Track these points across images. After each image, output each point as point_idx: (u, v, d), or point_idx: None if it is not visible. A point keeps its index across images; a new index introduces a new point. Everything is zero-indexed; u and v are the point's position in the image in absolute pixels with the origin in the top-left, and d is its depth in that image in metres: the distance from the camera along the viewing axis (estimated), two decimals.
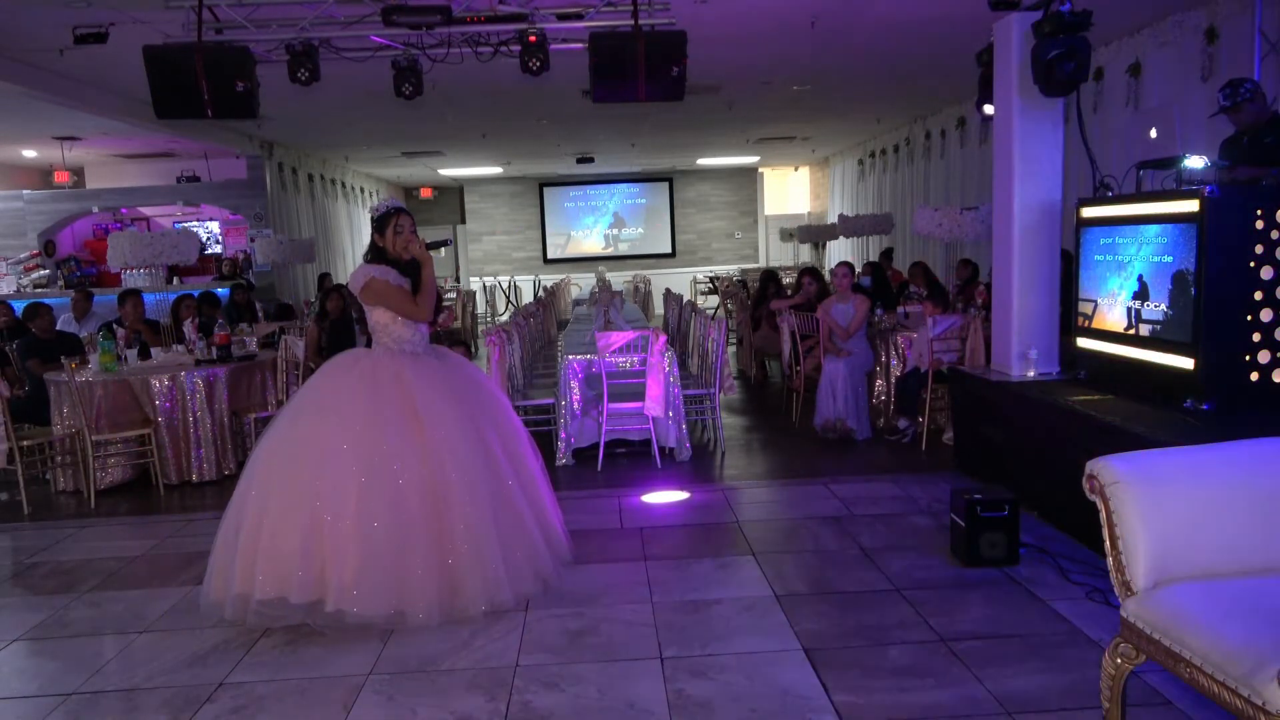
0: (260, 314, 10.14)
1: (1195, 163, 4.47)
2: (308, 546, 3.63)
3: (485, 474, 3.85)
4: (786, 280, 12.57)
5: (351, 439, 3.73)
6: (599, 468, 6.17)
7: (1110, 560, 2.54)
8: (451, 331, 13.21)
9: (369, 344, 4.19)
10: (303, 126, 11.64)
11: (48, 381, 6.34)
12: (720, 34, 7.46)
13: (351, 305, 4.44)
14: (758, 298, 9.81)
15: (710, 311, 12.96)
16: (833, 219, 16.41)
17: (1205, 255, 4.08)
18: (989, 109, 5.73)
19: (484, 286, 18.47)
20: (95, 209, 12.87)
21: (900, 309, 7.90)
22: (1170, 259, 4.31)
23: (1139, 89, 7.94)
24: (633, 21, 6.07)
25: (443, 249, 3.70)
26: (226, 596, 3.71)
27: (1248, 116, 4.94)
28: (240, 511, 3.79)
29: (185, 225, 13.06)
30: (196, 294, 9.13)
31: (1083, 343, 5.07)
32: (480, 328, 14.58)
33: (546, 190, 19.89)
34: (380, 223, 4.07)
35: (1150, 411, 4.29)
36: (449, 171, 18.11)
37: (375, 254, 4.08)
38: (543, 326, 10.46)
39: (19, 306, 8.29)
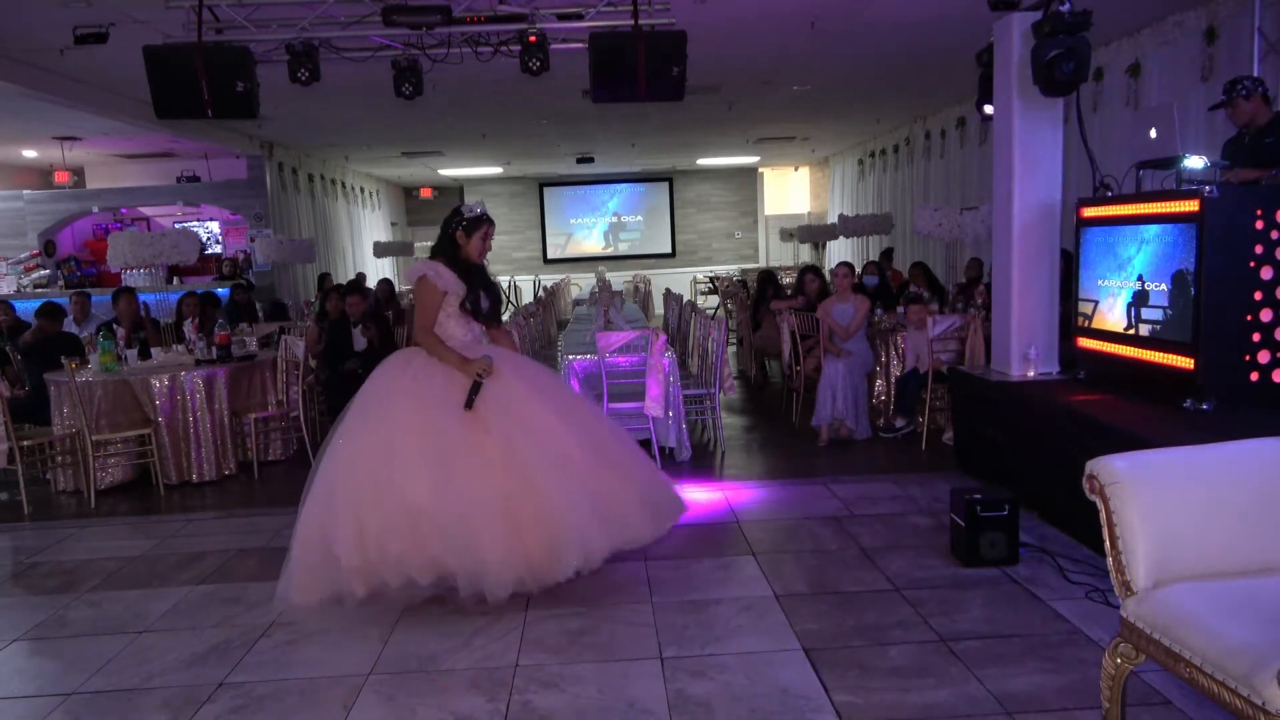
0: (260, 314, 10.15)
1: (1195, 163, 4.47)
2: (404, 535, 3.65)
3: (548, 468, 3.81)
4: (786, 280, 12.59)
5: (420, 431, 3.77)
6: None
7: (1110, 560, 2.54)
8: None
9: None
10: (303, 126, 11.65)
11: (48, 381, 6.34)
12: (720, 34, 7.47)
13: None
14: (757, 298, 9.81)
15: (710, 311, 12.97)
16: (833, 219, 16.42)
17: (1205, 255, 4.08)
18: (989, 109, 5.73)
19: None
20: (95, 209, 12.88)
21: (900, 309, 7.90)
22: (1170, 259, 4.31)
23: (1139, 89, 7.95)
24: (633, 21, 6.07)
25: (473, 399, 3.88)
26: (327, 593, 3.72)
27: (1244, 113, 4.94)
28: (326, 518, 3.74)
29: (185, 225, 13.07)
30: (199, 292, 9.14)
31: (1083, 343, 5.07)
32: None
33: (546, 190, 19.90)
34: (471, 225, 4.04)
35: (1150, 411, 4.29)
36: (449, 171, 18.12)
37: (447, 251, 4.05)
38: (543, 326, 10.47)
39: (20, 307, 8.29)
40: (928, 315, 6.58)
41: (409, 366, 4.01)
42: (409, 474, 3.70)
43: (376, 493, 3.70)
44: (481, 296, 4.09)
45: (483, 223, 4.06)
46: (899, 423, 6.74)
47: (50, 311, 7.37)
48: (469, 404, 3.81)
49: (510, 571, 3.66)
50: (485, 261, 4.18)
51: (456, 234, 4.05)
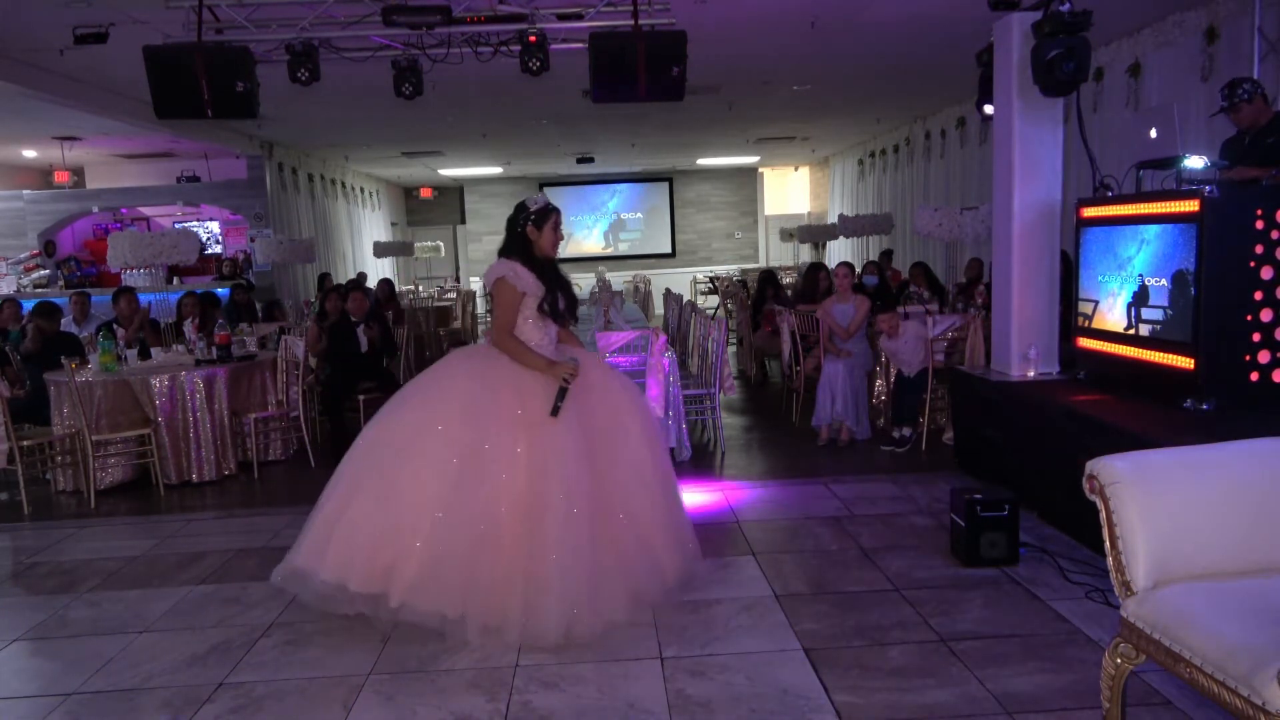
0: (259, 314, 10.14)
1: (1195, 163, 4.48)
2: (380, 538, 3.52)
3: (589, 493, 3.57)
4: (786, 280, 12.58)
5: (446, 438, 3.60)
6: None
7: (1110, 560, 2.54)
8: (452, 331, 13.22)
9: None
10: (303, 126, 11.65)
11: (48, 381, 6.34)
12: (720, 34, 7.46)
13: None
14: (757, 298, 9.81)
15: (710, 311, 12.96)
16: (833, 219, 16.42)
17: (1205, 255, 4.08)
18: (989, 109, 5.73)
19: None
20: (95, 209, 12.88)
21: (901, 309, 7.90)
22: (1170, 259, 4.31)
23: (1139, 89, 7.95)
24: (633, 21, 6.07)
25: (560, 405, 3.67)
26: (290, 569, 3.68)
27: (1246, 116, 4.95)
28: (329, 493, 3.72)
29: (185, 225, 13.07)
30: (199, 292, 9.14)
31: (1083, 343, 5.08)
32: (480, 328, 14.58)
33: (547, 190, 19.86)
34: (540, 216, 3.86)
35: (1150, 411, 4.29)
36: (449, 171, 18.12)
37: (520, 250, 3.86)
38: None
39: (23, 306, 8.29)
40: (899, 321, 6.57)
41: (466, 366, 3.88)
42: (419, 483, 3.55)
43: (382, 480, 3.60)
44: (559, 297, 3.89)
45: (551, 212, 3.88)
46: (900, 432, 6.61)
47: (46, 311, 7.37)
48: (555, 410, 3.59)
49: (483, 618, 3.46)
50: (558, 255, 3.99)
51: (527, 230, 3.85)
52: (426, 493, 3.53)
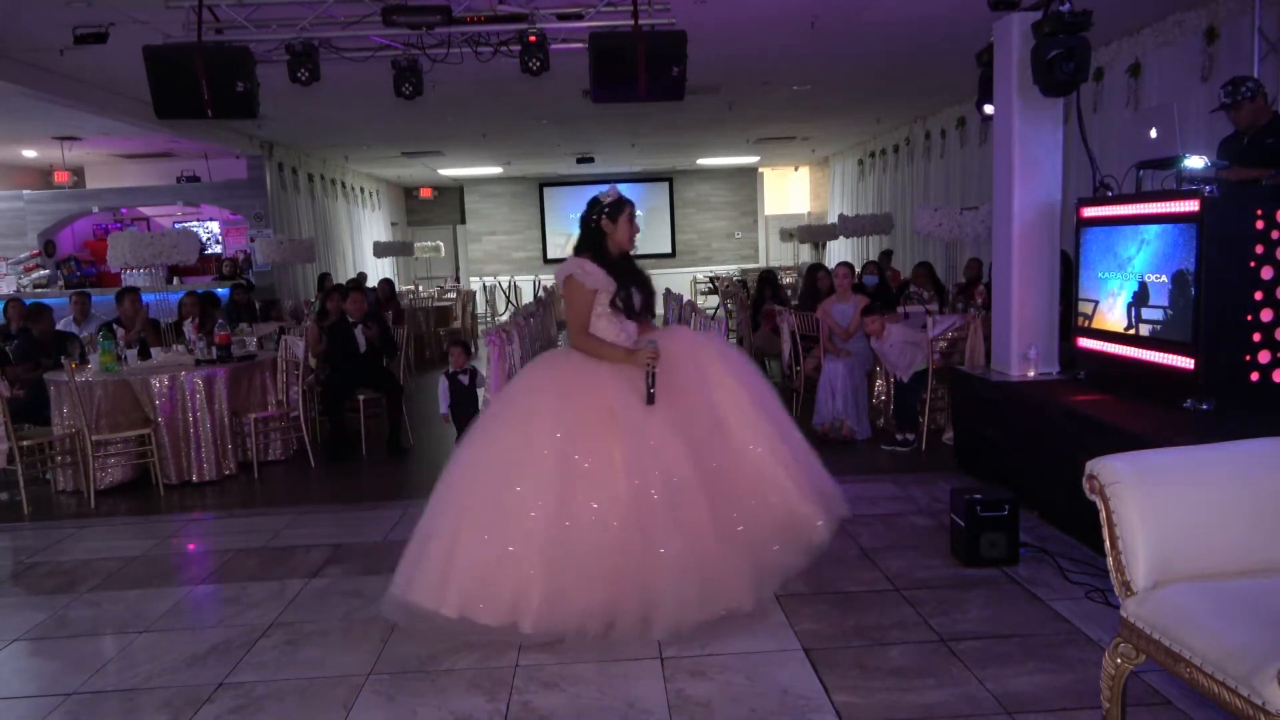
0: (257, 314, 10.15)
1: (1195, 163, 4.48)
2: (499, 568, 3.36)
3: (696, 484, 3.44)
4: (786, 280, 12.59)
5: (544, 455, 3.43)
6: None
7: (1110, 560, 2.54)
8: (452, 331, 13.22)
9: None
10: (303, 126, 11.65)
11: (47, 381, 6.34)
12: (720, 34, 7.46)
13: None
14: (756, 299, 9.81)
15: (710, 311, 12.96)
16: (833, 219, 16.42)
17: (1205, 255, 4.08)
18: (989, 109, 5.73)
19: (484, 286, 18.46)
20: (95, 209, 12.88)
21: (901, 309, 7.90)
22: (1170, 259, 4.31)
23: (1139, 89, 7.94)
24: (633, 21, 6.07)
25: (653, 392, 3.54)
26: (406, 605, 3.49)
27: (1247, 115, 4.95)
28: (434, 524, 3.53)
29: (185, 225, 13.07)
30: (200, 292, 9.14)
31: (1082, 343, 5.07)
32: (480, 328, 14.58)
33: (546, 190, 19.89)
34: (614, 209, 3.77)
35: (1150, 411, 4.29)
36: (449, 171, 18.12)
37: (593, 245, 3.76)
38: (543, 326, 10.46)
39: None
40: (884, 323, 6.57)
41: (553, 374, 3.71)
42: (532, 497, 3.39)
43: (490, 508, 3.42)
44: (633, 292, 3.76)
45: (625, 204, 3.79)
46: (903, 435, 6.61)
47: (34, 313, 7.38)
48: (650, 398, 3.49)
49: (610, 628, 3.37)
50: (634, 248, 3.86)
51: (601, 223, 3.76)
52: (535, 515, 3.37)
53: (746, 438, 3.65)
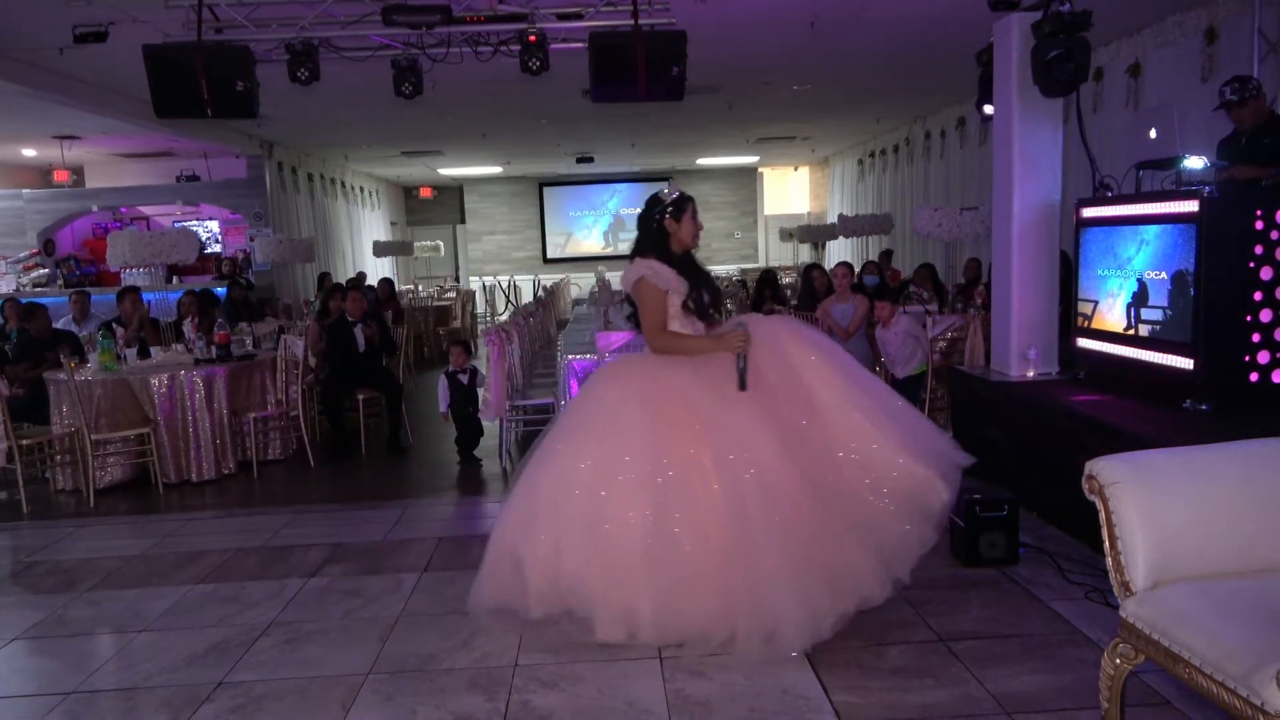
0: (253, 313, 10.13)
1: (1195, 163, 4.48)
2: (608, 586, 3.29)
3: (795, 479, 3.29)
4: (786, 280, 12.58)
5: (633, 467, 3.32)
6: None
7: (1109, 560, 2.54)
8: (452, 331, 13.22)
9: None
10: (303, 126, 11.65)
11: (47, 380, 6.34)
12: (720, 34, 7.46)
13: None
14: (756, 299, 9.81)
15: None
16: (832, 219, 16.41)
17: (1204, 256, 4.08)
18: (989, 109, 5.73)
19: (483, 286, 18.48)
20: (95, 208, 12.89)
21: (900, 309, 7.89)
22: (1169, 259, 4.31)
23: (1139, 89, 7.95)
24: (633, 21, 6.07)
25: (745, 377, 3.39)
26: (505, 603, 3.46)
27: (1248, 114, 4.95)
28: (531, 544, 3.39)
29: (185, 224, 13.07)
30: (197, 291, 9.14)
31: (1082, 343, 5.07)
32: (480, 327, 14.58)
33: (546, 190, 19.89)
34: (678, 207, 3.65)
35: (1150, 411, 4.29)
36: (449, 171, 18.12)
37: (657, 246, 3.63)
38: (542, 326, 10.46)
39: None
40: (896, 313, 6.58)
41: (630, 381, 3.57)
42: (627, 511, 3.29)
43: (586, 522, 3.32)
44: (702, 293, 3.65)
45: (688, 200, 3.67)
46: None
47: (29, 313, 7.38)
48: (743, 384, 3.38)
49: (723, 638, 3.27)
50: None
51: (665, 222, 3.64)
52: (633, 529, 3.27)
53: (846, 416, 3.48)
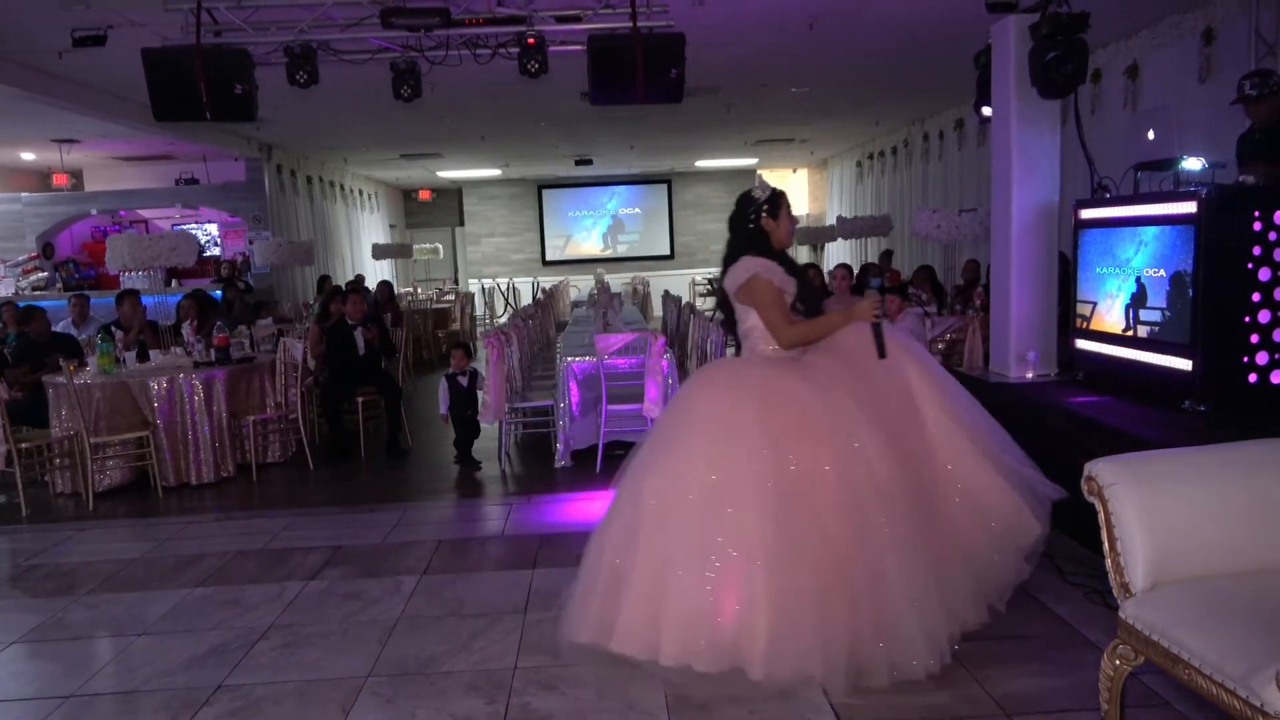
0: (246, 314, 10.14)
1: (1193, 164, 4.48)
2: (715, 612, 3.02)
3: (911, 494, 3.11)
4: None
5: (748, 482, 3.07)
6: (598, 469, 6.17)
7: (1109, 561, 2.55)
8: (451, 333, 13.22)
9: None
10: (301, 129, 11.65)
11: (46, 384, 6.34)
12: (718, 36, 7.47)
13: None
14: None
15: (709, 314, 12.94)
16: (831, 221, 16.43)
17: (1203, 257, 4.08)
18: (987, 111, 5.73)
19: (483, 288, 18.48)
20: (94, 211, 12.89)
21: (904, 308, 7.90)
22: (1168, 260, 4.31)
23: (1137, 90, 7.96)
24: (631, 24, 6.07)
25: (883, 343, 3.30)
26: (611, 657, 3.14)
27: (1265, 110, 4.93)
28: (628, 563, 3.15)
29: (183, 228, 13.08)
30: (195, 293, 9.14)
31: (1081, 344, 5.08)
32: (479, 330, 14.59)
33: (545, 192, 19.90)
34: (774, 204, 3.46)
35: (1148, 413, 4.29)
36: (447, 173, 18.13)
37: (757, 243, 3.46)
38: (541, 328, 10.47)
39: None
40: (904, 308, 6.57)
41: (739, 385, 3.32)
42: (743, 538, 3.02)
43: (697, 546, 3.05)
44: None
45: (782, 196, 3.49)
46: None
47: (26, 316, 7.38)
48: (882, 352, 3.25)
49: (845, 669, 2.98)
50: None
51: (762, 221, 3.45)
52: (749, 549, 3.01)
53: (952, 437, 3.33)
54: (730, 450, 3.13)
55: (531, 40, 6.19)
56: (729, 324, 3.57)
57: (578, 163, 16.50)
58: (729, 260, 3.51)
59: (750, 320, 3.45)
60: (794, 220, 3.56)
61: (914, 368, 3.44)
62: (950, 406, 3.40)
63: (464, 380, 6.73)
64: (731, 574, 3.02)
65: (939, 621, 3.04)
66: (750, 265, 3.40)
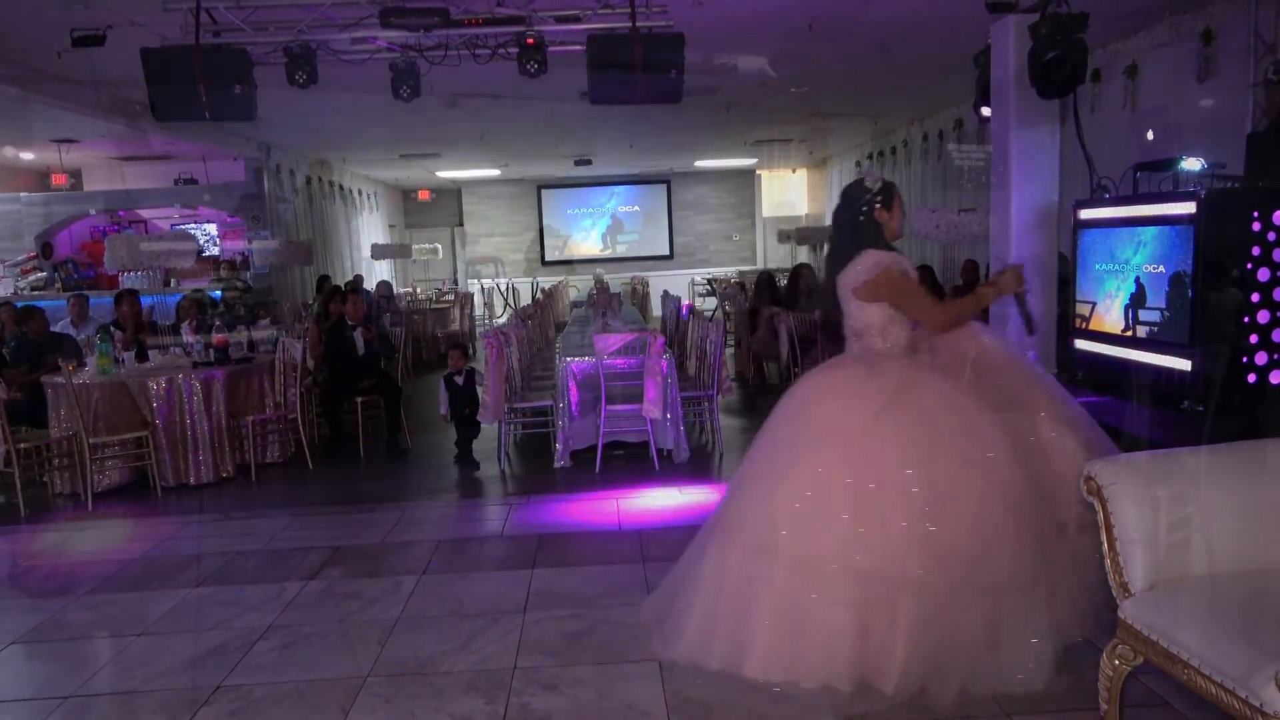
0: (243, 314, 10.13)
1: (1192, 165, 4.48)
2: (839, 631, 2.91)
3: (1023, 503, 3.00)
4: (784, 282, 12.56)
5: (862, 490, 2.98)
6: (597, 469, 6.17)
7: (1108, 561, 2.55)
8: (450, 334, 13.22)
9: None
10: (301, 129, 11.64)
11: (45, 384, 6.33)
12: (718, 36, 7.47)
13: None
14: (754, 301, 9.82)
15: (708, 314, 12.95)
16: (830, 221, 16.41)
17: (1202, 257, 4.09)
18: (986, 111, 5.74)
19: (482, 289, 18.47)
20: (93, 211, 12.88)
21: None
22: (1167, 261, 4.31)
23: (1136, 91, 7.95)
24: (630, 24, 6.07)
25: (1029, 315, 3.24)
26: (709, 674, 3.09)
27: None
28: (725, 577, 3.09)
29: (183, 227, 13.07)
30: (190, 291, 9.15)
31: (1080, 344, 5.08)
32: (478, 330, 14.58)
33: (545, 192, 19.89)
34: (887, 194, 3.30)
35: (1148, 413, 4.30)
36: (447, 173, 18.11)
37: (871, 235, 3.30)
38: (541, 329, 10.46)
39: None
40: None
41: (854, 385, 3.21)
42: (873, 546, 2.92)
43: (843, 559, 2.93)
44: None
45: (894, 186, 3.34)
46: None
47: (25, 316, 7.37)
48: (1030, 327, 3.19)
49: (973, 680, 2.91)
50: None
51: (876, 213, 3.30)
52: (895, 563, 2.91)
53: (1064, 438, 3.24)
54: (868, 459, 3.01)
55: (531, 40, 6.19)
56: (830, 324, 3.43)
57: (577, 163, 16.49)
58: (839, 256, 3.34)
59: (866, 317, 3.28)
60: (904, 213, 3.42)
61: (1015, 367, 3.38)
62: (1058, 405, 3.32)
63: (460, 379, 6.74)
64: (878, 591, 2.91)
65: (1048, 635, 2.98)
66: (878, 259, 3.24)
